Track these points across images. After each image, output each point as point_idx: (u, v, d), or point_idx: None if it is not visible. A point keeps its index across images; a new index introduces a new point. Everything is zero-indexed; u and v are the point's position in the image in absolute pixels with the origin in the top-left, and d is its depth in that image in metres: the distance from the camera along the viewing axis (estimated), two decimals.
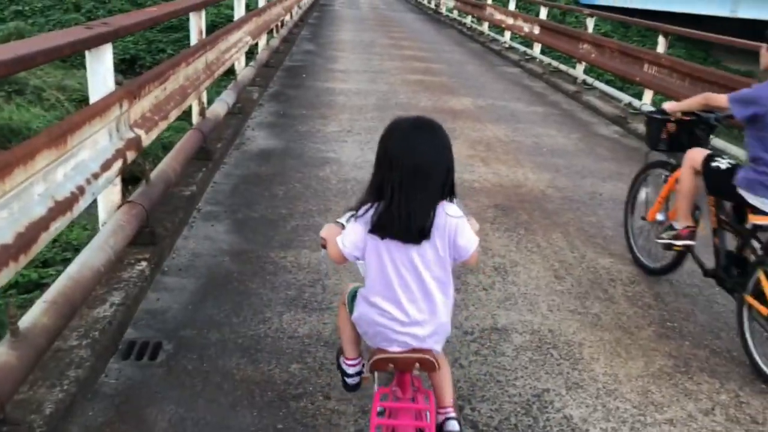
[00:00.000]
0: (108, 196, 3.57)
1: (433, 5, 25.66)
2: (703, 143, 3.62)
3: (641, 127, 7.68)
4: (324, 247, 2.07)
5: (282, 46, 11.71)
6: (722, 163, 3.29)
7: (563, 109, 9.06)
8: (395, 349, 1.99)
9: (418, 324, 1.96)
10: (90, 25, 3.44)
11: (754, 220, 3.15)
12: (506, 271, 3.93)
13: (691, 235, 3.47)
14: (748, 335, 3.07)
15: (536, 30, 12.61)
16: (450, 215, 1.90)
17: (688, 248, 3.52)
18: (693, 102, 3.55)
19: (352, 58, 11.95)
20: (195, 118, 5.77)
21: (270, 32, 11.80)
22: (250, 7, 10.48)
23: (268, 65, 9.71)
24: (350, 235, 1.95)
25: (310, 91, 8.76)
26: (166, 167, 4.27)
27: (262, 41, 10.42)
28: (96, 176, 3.15)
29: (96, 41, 3.28)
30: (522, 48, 13.48)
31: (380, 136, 1.92)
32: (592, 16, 10.39)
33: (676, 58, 7.91)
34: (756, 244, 3.17)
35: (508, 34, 14.81)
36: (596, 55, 9.68)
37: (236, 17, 8.20)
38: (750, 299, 3.05)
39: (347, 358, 2.27)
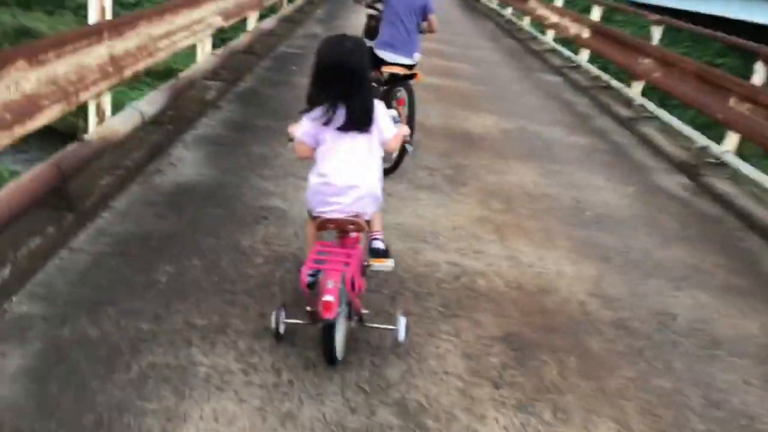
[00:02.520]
0: None
1: None
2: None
3: (719, 184, 5.70)
4: (291, 140, 2.75)
5: (281, 27, 9.79)
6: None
7: (613, 142, 7.04)
8: (334, 213, 2.59)
9: (349, 188, 2.57)
10: None
11: (386, 70, 4.82)
12: None
13: None
14: None
15: (585, 33, 10.52)
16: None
17: None
18: None
19: None
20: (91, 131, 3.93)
21: (272, 8, 9.92)
22: None
23: (250, 51, 7.81)
24: (303, 127, 2.63)
25: (293, 91, 6.83)
26: None
27: (251, 21, 8.54)
28: None
29: None
30: (567, 52, 11.39)
31: (318, 51, 2.58)
32: (659, 23, 8.29)
33: None
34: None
35: (551, 34, 12.71)
36: (662, 75, 7.61)
37: None
38: None
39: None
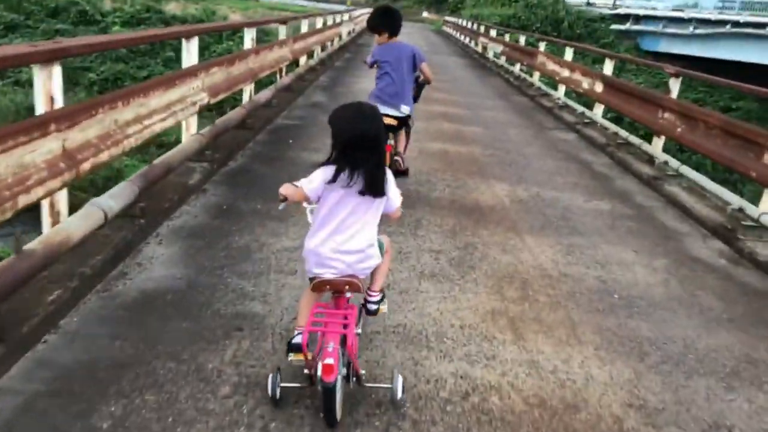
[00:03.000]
0: None
1: (479, 49, 23.39)
2: None
3: (763, 250, 5.08)
4: (283, 201, 2.68)
5: (279, 97, 9.47)
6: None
7: (638, 205, 6.45)
8: (329, 274, 2.62)
9: (347, 253, 2.62)
10: None
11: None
12: None
13: None
14: None
15: (598, 87, 10.08)
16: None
17: None
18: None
19: None
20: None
21: (279, 72, 9.63)
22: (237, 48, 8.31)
23: (244, 126, 7.42)
24: (312, 183, 2.59)
25: (288, 167, 6.39)
26: None
27: (246, 94, 8.21)
28: None
29: None
30: (580, 107, 10.93)
31: (337, 119, 2.58)
32: (677, 75, 7.78)
33: None
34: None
35: (562, 89, 12.30)
36: (684, 130, 7.07)
37: (185, 64, 5.95)
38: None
39: (298, 325, 2.85)
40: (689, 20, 33.08)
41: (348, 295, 2.72)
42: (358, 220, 2.62)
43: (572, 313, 3.89)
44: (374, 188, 2.58)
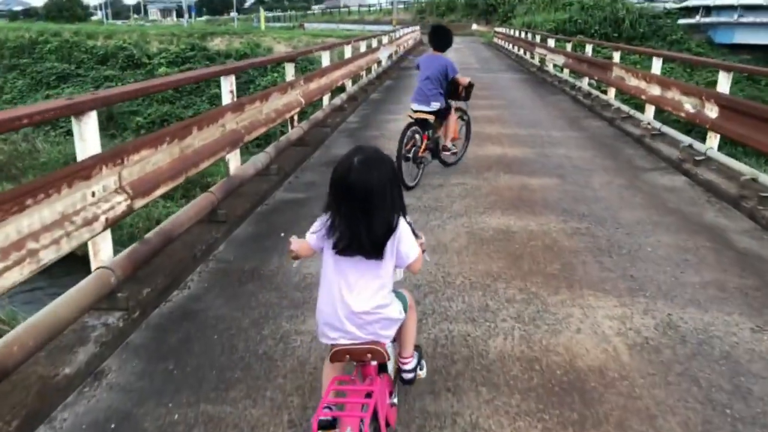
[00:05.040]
0: None
1: (536, 61, 20.72)
2: None
3: None
4: (295, 258, 2.42)
5: (280, 160, 7.18)
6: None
7: None
8: (345, 339, 2.26)
9: (360, 315, 2.23)
10: None
11: (414, 116, 6.41)
12: None
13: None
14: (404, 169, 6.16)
15: (712, 111, 7.36)
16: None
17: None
18: None
19: None
20: None
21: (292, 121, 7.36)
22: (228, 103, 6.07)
23: (214, 218, 5.15)
24: (314, 230, 2.29)
25: (266, 295, 4.05)
26: None
27: (232, 163, 6.01)
28: None
29: None
30: (685, 138, 8.20)
31: (334, 172, 2.17)
32: None
33: None
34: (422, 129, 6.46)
35: (651, 110, 9.61)
36: None
37: (80, 155, 3.70)
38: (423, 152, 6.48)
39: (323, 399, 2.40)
40: None
41: (373, 363, 2.30)
42: (365, 275, 2.23)
43: None
44: (361, 249, 2.18)
